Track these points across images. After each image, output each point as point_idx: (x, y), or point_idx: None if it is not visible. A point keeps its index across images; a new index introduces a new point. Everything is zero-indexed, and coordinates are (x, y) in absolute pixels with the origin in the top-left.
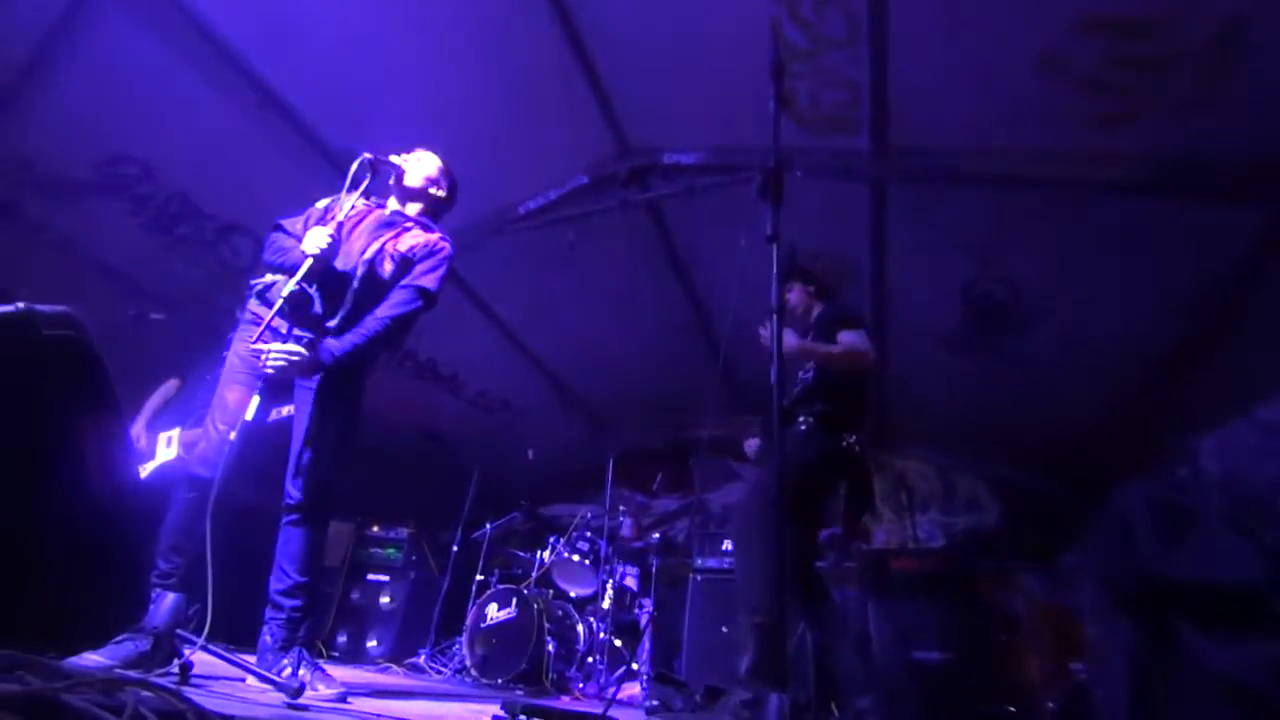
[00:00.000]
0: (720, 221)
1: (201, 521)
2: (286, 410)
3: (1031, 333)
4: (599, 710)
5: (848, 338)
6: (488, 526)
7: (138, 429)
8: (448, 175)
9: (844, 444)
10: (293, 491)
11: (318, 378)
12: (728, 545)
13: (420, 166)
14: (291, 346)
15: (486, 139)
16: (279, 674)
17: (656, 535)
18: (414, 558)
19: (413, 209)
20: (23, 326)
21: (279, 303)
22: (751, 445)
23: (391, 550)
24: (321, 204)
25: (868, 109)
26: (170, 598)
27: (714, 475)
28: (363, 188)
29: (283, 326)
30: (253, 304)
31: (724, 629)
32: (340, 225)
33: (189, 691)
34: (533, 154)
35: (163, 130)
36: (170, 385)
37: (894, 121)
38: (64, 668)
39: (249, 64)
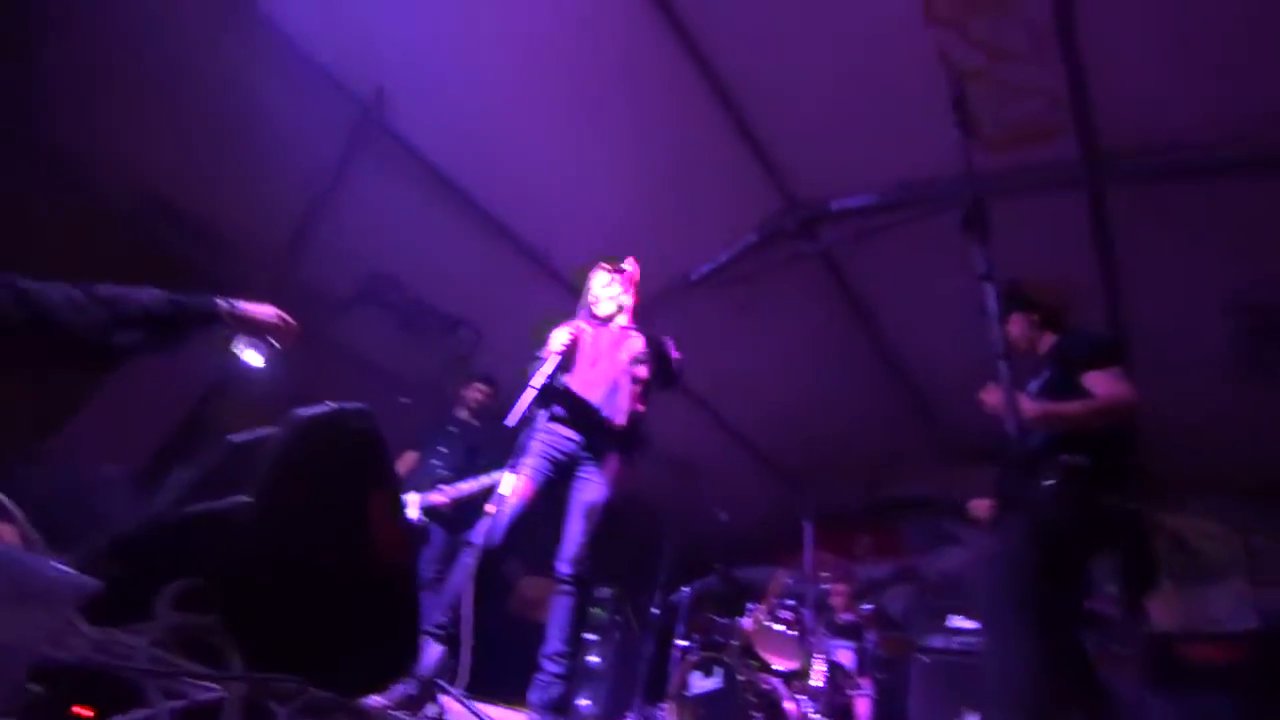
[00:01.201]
0: (902, 262)
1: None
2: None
3: None
4: None
5: (1102, 385)
6: (684, 590)
7: None
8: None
9: (1107, 503)
10: (566, 565)
11: (599, 465)
12: (956, 621)
13: (612, 291)
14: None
15: (658, 215)
16: None
17: (867, 606)
18: (618, 618)
19: (624, 319)
20: (334, 421)
21: (533, 392)
22: (980, 508)
23: (597, 610)
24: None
25: (1069, 113)
26: (436, 648)
27: (925, 537)
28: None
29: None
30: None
31: None
32: (581, 332)
33: None
34: (701, 221)
35: (407, 249)
36: (409, 457)
37: (1103, 121)
38: (369, 709)
39: (467, 190)
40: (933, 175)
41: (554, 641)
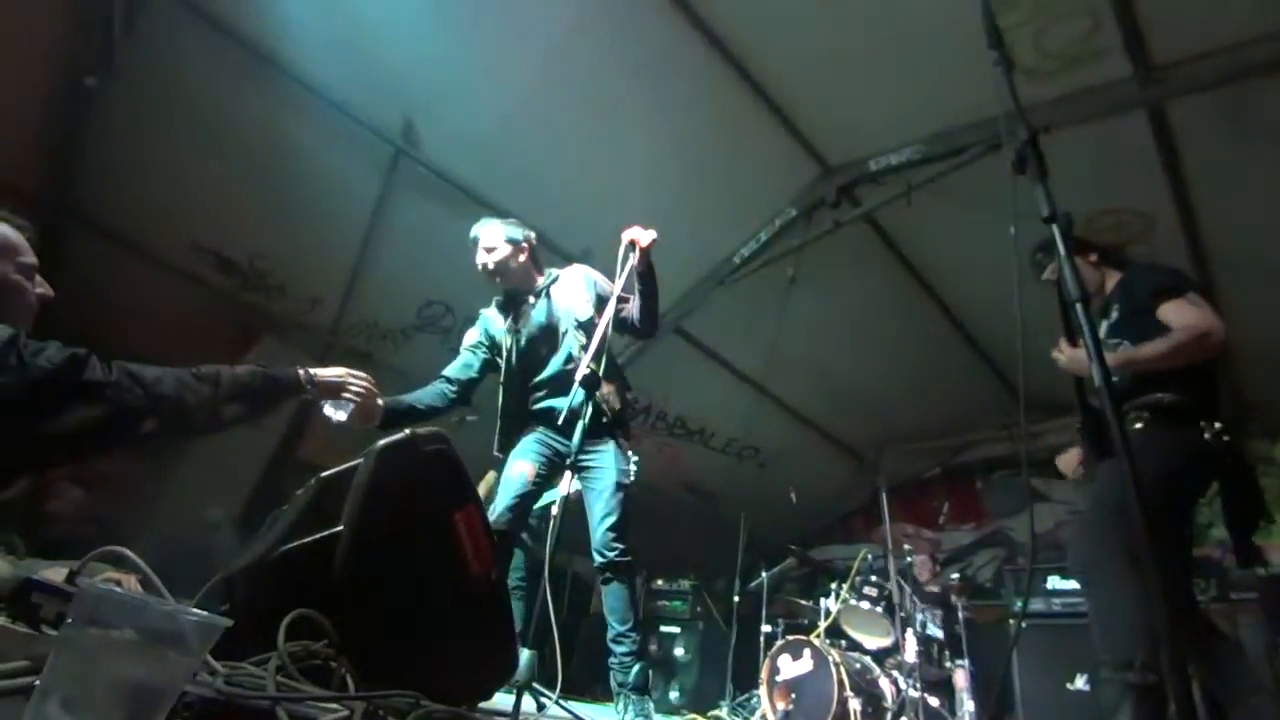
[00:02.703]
0: (954, 215)
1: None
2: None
3: None
4: None
5: (1178, 315)
6: (763, 575)
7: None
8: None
9: (1206, 436)
10: (598, 554)
11: (603, 447)
12: (1053, 583)
13: (494, 254)
14: None
15: (690, 203)
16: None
17: (955, 575)
18: (699, 609)
19: (535, 279)
20: (410, 446)
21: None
22: (1070, 460)
23: (677, 603)
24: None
25: (1115, 29)
26: (526, 653)
27: (1009, 498)
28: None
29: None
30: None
31: (1069, 686)
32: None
33: None
34: (738, 202)
35: (453, 273)
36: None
37: (1153, 32)
38: (479, 717)
39: (503, 206)
40: (975, 120)
41: (612, 626)
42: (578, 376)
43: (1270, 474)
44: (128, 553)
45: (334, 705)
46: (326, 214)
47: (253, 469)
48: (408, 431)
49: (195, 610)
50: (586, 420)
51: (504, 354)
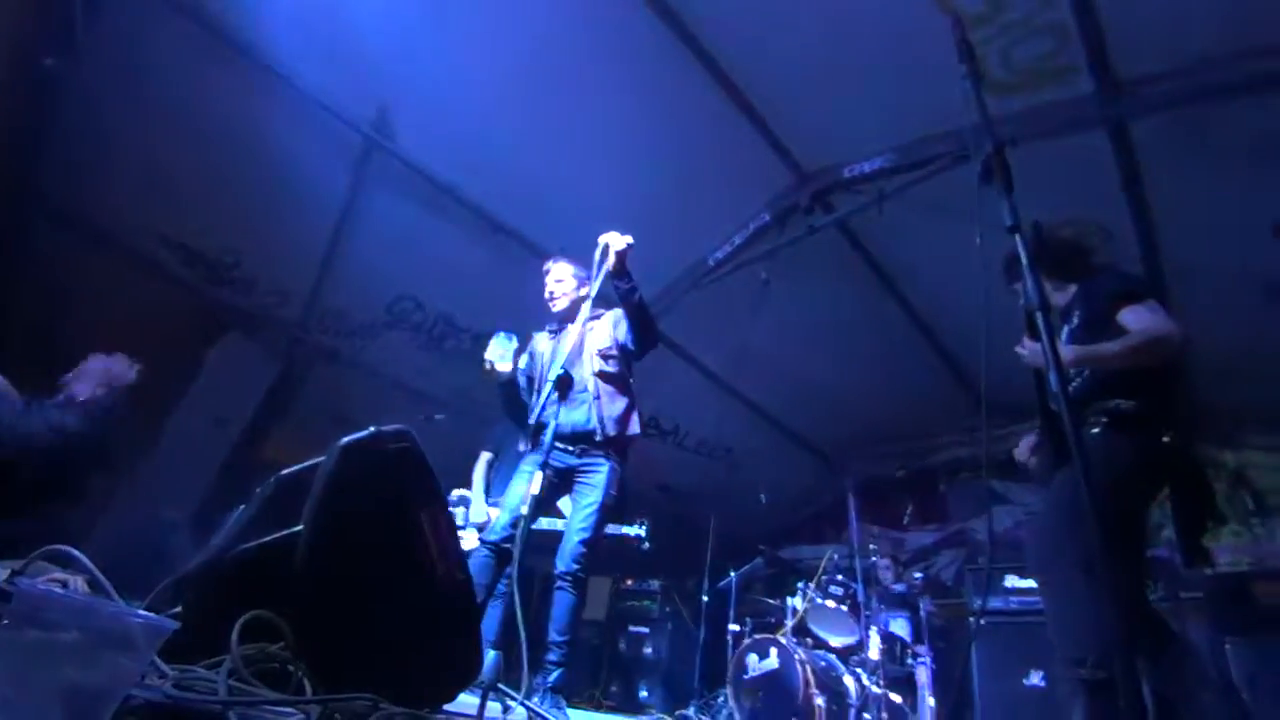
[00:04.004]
0: (923, 222)
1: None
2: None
3: None
4: None
5: (1137, 319)
6: (732, 575)
7: (479, 505)
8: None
9: (1162, 442)
10: (562, 563)
11: (599, 466)
12: (1011, 582)
13: (563, 285)
14: None
15: (665, 205)
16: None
17: (919, 574)
18: (668, 609)
19: (586, 310)
20: (374, 445)
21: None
22: (1025, 446)
23: (647, 602)
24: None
25: (1081, 47)
26: (492, 654)
27: (971, 500)
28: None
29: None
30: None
31: (1025, 682)
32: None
33: None
34: (712, 205)
35: (425, 268)
36: (486, 457)
37: (1117, 51)
38: None
39: (477, 202)
40: (945, 131)
41: (551, 633)
42: (549, 376)
43: (1220, 478)
44: (75, 552)
45: (289, 709)
46: (298, 205)
47: (211, 467)
48: (371, 429)
49: (141, 611)
50: (557, 420)
51: (539, 368)
